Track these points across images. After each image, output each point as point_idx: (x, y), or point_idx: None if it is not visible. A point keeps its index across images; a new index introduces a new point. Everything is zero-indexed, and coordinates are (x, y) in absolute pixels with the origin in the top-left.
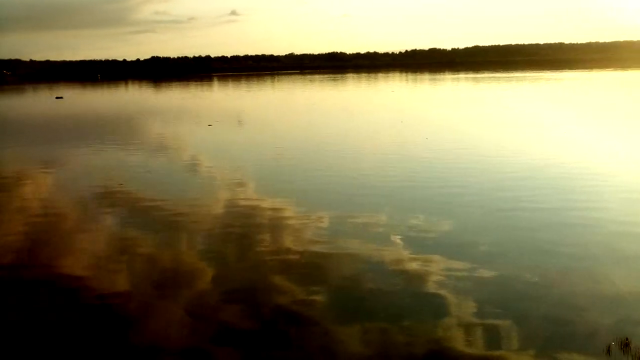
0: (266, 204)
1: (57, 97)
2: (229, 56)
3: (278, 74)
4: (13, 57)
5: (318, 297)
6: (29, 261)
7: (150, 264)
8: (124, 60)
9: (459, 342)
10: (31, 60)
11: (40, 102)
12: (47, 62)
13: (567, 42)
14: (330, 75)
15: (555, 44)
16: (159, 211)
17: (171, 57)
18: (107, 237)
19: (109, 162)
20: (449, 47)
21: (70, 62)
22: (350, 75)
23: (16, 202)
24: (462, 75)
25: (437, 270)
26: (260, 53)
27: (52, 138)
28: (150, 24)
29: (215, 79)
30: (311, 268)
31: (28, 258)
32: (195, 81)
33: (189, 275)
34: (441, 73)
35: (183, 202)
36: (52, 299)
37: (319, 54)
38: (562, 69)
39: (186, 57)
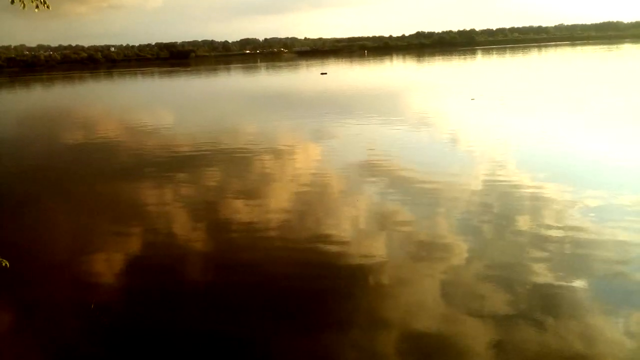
0: (527, 183)
1: (321, 73)
2: (494, 29)
3: (546, 46)
4: (290, 36)
5: (579, 284)
6: (297, 224)
7: (407, 235)
8: (390, 35)
9: None
10: (305, 38)
11: (306, 77)
12: (320, 39)
13: None
14: (604, 46)
15: None
16: (418, 184)
17: (435, 31)
18: (367, 206)
19: (370, 135)
20: None
21: (340, 38)
22: (626, 46)
23: (288, 170)
24: None
25: None
26: (527, 25)
27: (316, 112)
28: None
29: (479, 52)
30: (573, 252)
31: (296, 221)
32: (459, 55)
33: (444, 249)
34: None
35: (442, 176)
36: (315, 260)
37: (591, 24)
38: None
39: (450, 31)
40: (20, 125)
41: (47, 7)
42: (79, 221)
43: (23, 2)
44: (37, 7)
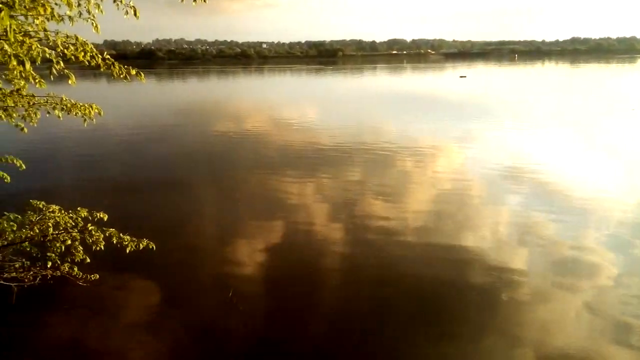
0: None
1: (460, 76)
2: None
3: None
4: (437, 37)
5: None
6: (433, 229)
7: (550, 248)
8: (543, 40)
9: None
10: (454, 40)
11: (445, 80)
12: (469, 42)
13: None
14: None
15: None
16: (566, 196)
17: (592, 37)
18: (509, 215)
19: (513, 142)
20: None
21: (490, 41)
22: None
23: (427, 174)
24: None
25: None
26: None
27: (454, 114)
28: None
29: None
30: None
31: (432, 226)
32: (617, 63)
33: (590, 266)
34: None
35: (592, 191)
36: (450, 268)
37: None
38: None
39: (608, 38)
40: (177, 115)
41: (204, 0)
42: (224, 208)
43: None
44: (194, 0)
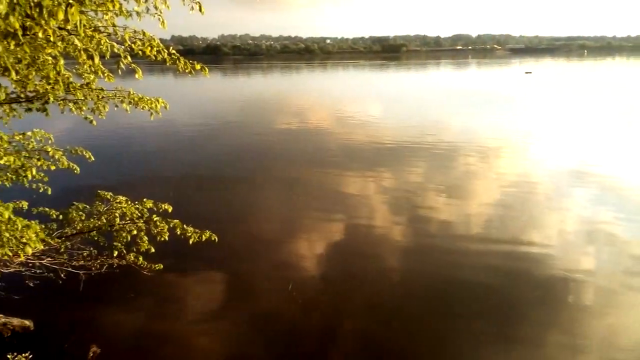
0: None
1: (526, 72)
2: None
3: None
4: (504, 32)
5: None
6: (498, 230)
7: (617, 255)
8: (614, 35)
9: None
10: (520, 35)
11: (509, 76)
12: (536, 37)
13: None
14: None
15: None
16: (633, 198)
17: None
18: (576, 215)
19: (579, 141)
20: None
21: (558, 37)
22: None
23: (490, 173)
24: None
25: None
26: None
27: (517, 112)
28: None
29: None
30: None
31: (497, 227)
32: None
33: None
34: None
35: None
36: (512, 267)
37: None
38: None
39: None
40: (240, 110)
41: None
42: (285, 203)
43: None
44: None
